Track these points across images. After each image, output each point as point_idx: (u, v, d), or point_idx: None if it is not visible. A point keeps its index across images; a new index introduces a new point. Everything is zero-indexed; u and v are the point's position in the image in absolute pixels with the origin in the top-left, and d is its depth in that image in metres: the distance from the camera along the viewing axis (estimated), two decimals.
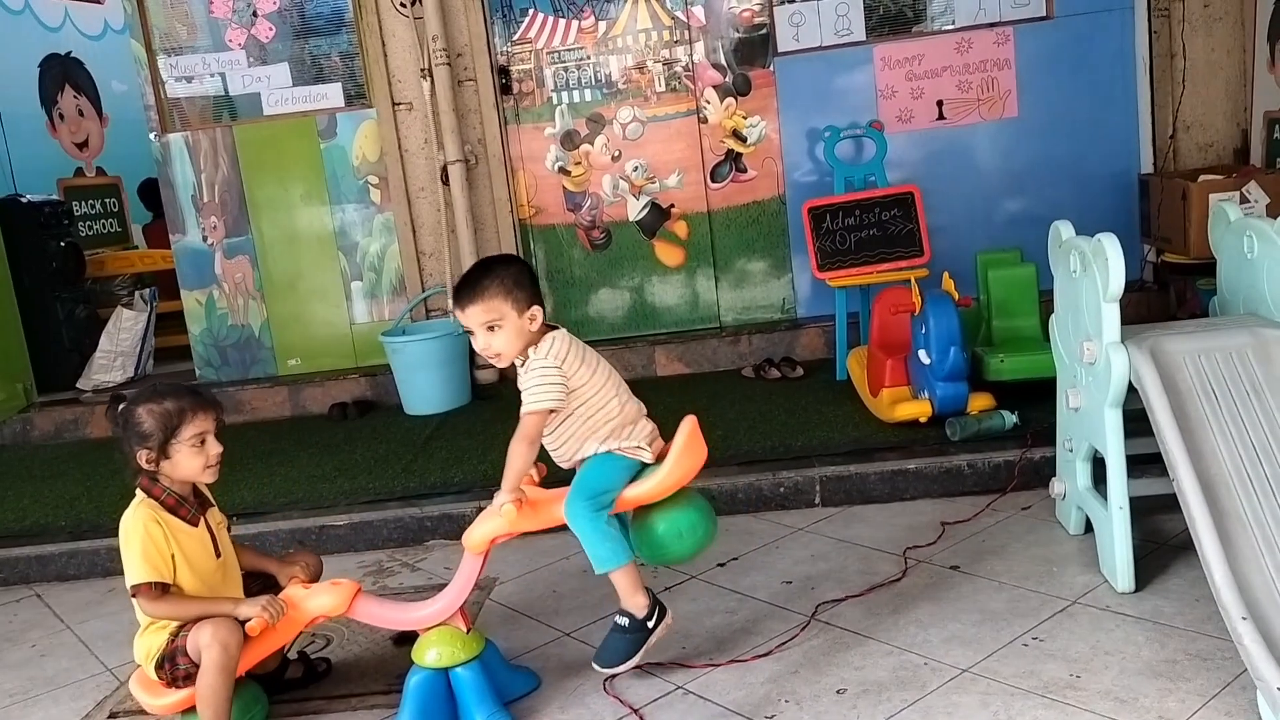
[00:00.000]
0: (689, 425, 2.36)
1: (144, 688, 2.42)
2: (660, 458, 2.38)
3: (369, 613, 2.47)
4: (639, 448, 2.37)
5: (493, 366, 5.05)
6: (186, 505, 2.42)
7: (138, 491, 2.41)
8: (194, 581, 2.37)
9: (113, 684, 2.88)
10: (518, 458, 2.31)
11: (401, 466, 4.12)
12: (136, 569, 2.31)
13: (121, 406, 2.40)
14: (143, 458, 2.37)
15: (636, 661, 2.35)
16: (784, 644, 2.62)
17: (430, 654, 2.38)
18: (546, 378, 2.26)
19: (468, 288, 2.30)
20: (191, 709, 2.35)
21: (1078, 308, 2.81)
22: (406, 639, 2.77)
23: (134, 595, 2.33)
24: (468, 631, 2.41)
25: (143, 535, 2.33)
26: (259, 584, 2.53)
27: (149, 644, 2.39)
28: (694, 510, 2.41)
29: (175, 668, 2.33)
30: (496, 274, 2.30)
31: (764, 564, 3.15)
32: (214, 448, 2.40)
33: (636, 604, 2.31)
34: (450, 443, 4.37)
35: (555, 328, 2.36)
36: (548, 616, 2.92)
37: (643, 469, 2.38)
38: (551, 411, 2.30)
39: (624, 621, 2.32)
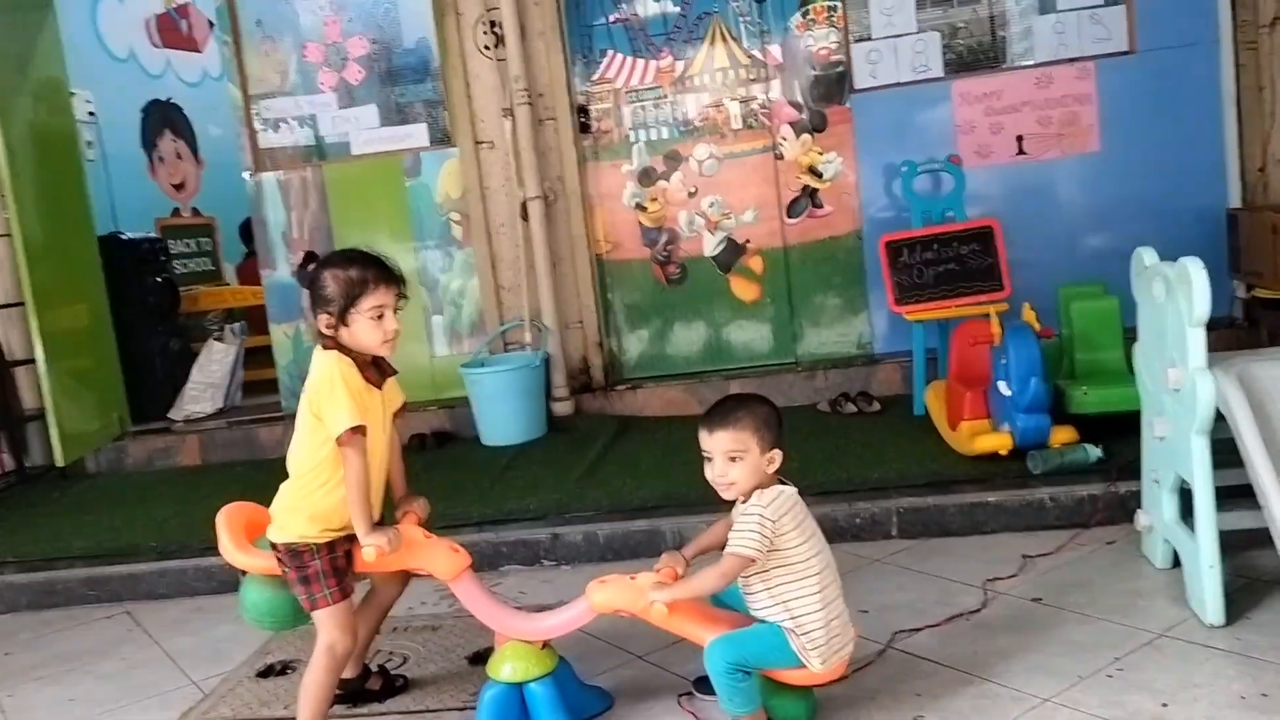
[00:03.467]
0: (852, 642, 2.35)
1: (232, 536, 2.48)
2: None
3: (468, 592, 2.48)
4: (812, 653, 2.25)
5: (568, 399, 5.19)
6: (369, 370, 2.42)
7: (321, 349, 2.41)
8: (369, 442, 2.38)
9: (197, 696, 2.96)
10: (702, 589, 2.28)
11: (478, 494, 4.18)
12: (349, 411, 2.30)
13: (311, 266, 2.46)
14: (323, 322, 2.37)
15: None
16: (859, 670, 2.59)
17: (505, 668, 2.41)
18: (761, 527, 2.21)
19: (721, 414, 2.29)
20: (269, 578, 2.46)
21: (1162, 334, 2.76)
22: (481, 657, 2.82)
23: (344, 443, 2.30)
24: (543, 648, 2.43)
25: (344, 378, 2.32)
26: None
27: (291, 523, 2.40)
28: (805, 705, 2.37)
29: (299, 573, 2.38)
30: (751, 409, 2.29)
31: None
32: (391, 323, 2.38)
33: None
34: (526, 472, 4.42)
35: (787, 484, 2.33)
36: (621, 640, 2.92)
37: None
38: (752, 560, 2.25)
39: None
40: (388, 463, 2.54)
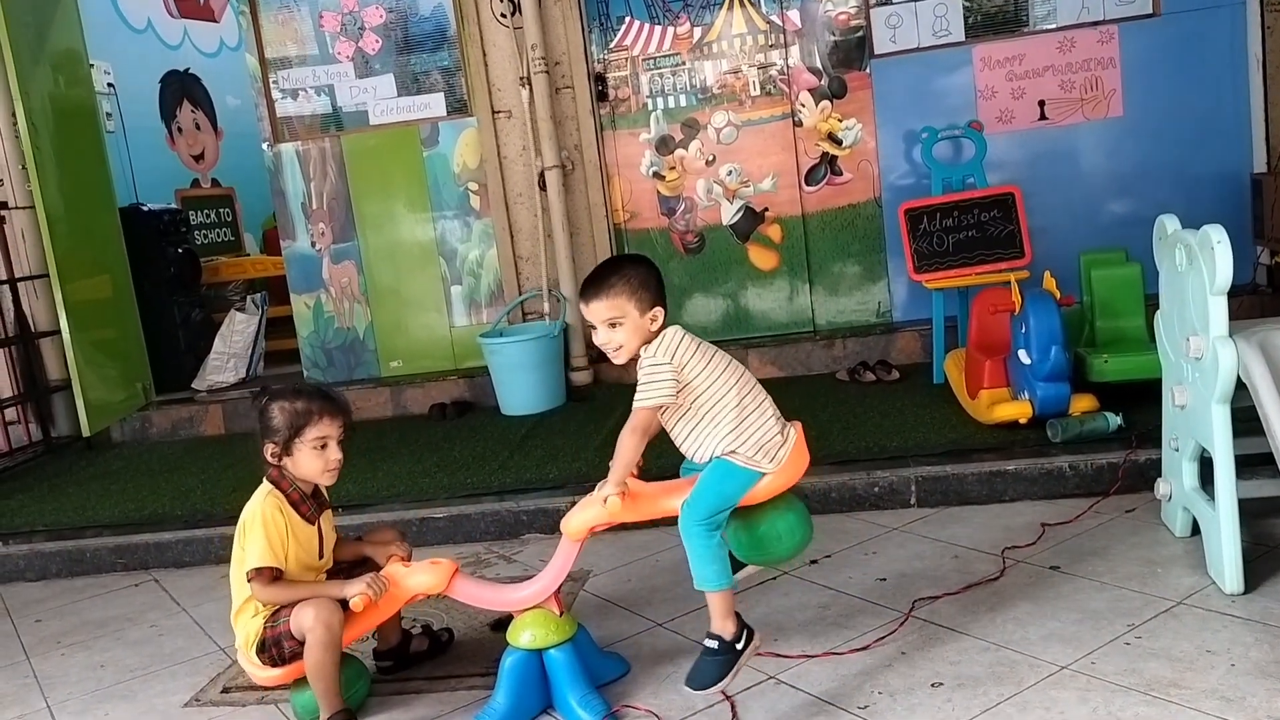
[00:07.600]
0: (794, 433, 2.37)
1: (252, 664, 2.54)
2: None
3: (466, 592, 2.53)
4: (757, 458, 2.30)
5: (587, 369, 5.20)
6: (307, 503, 2.54)
7: (264, 482, 2.53)
8: (297, 575, 2.50)
9: (225, 661, 3.01)
10: (626, 449, 2.32)
11: (498, 463, 4.21)
12: (259, 553, 2.42)
13: (263, 400, 2.54)
14: (268, 450, 2.50)
15: (727, 683, 2.30)
16: (881, 639, 2.61)
17: (525, 635, 2.43)
18: (655, 374, 2.26)
19: (594, 284, 2.32)
20: (300, 679, 2.46)
21: (1184, 302, 2.74)
22: (502, 624, 2.84)
23: (250, 579, 2.43)
24: (561, 615, 2.46)
25: (268, 522, 2.45)
26: (360, 568, 2.61)
27: (246, 629, 2.50)
28: (793, 514, 2.40)
29: (280, 650, 2.44)
30: (624, 273, 2.31)
31: (858, 562, 3.13)
32: (334, 453, 2.50)
33: (726, 628, 2.29)
34: (545, 441, 4.44)
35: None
36: (639, 607, 2.96)
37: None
38: (662, 408, 2.30)
39: (713, 644, 2.30)
40: (329, 564, 2.61)
